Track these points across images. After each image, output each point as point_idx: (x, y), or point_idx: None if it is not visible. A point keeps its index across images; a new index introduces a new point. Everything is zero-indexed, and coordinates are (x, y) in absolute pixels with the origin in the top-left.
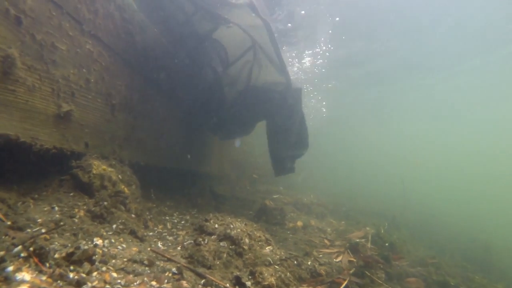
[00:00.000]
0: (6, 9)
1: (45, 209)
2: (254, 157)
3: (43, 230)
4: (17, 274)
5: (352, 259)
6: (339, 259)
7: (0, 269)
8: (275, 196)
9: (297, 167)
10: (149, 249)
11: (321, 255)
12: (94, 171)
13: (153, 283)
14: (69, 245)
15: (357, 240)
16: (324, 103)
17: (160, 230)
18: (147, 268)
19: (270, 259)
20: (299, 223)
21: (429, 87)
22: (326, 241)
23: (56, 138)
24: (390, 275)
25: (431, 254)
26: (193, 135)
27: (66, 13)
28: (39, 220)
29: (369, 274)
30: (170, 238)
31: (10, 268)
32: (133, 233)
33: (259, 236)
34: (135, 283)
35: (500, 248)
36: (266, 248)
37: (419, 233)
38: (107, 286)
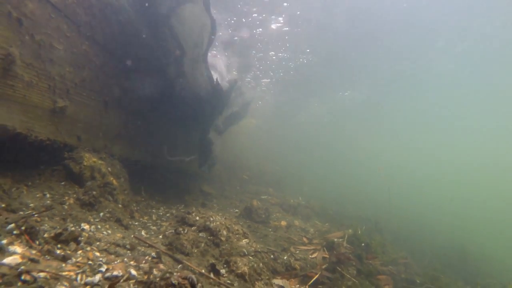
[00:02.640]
0: (9, 12)
1: (37, 195)
2: (246, 159)
3: (35, 213)
4: (10, 247)
5: (326, 256)
6: (314, 255)
7: None
8: (263, 197)
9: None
10: (132, 236)
11: (297, 251)
12: (85, 163)
13: (132, 263)
14: (58, 227)
15: (335, 239)
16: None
17: (145, 220)
18: (128, 251)
19: (245, 251)
20: (283, 223)
21: (419, 97)
22: (304, 239)
23: (51, 130)
24: (361, 272)
25: (406, 255)
26: (186, 135)
27: (65, 16)
28: (31, 204)
29: (340, 269)
30: (154, 228)
31: (4, 242)
32: (118, 221)
33: (237, 230)
34: (115, 262)
35: (478, 255)
36: (243, 240)
37: (403, 238)
38: (90, 262)
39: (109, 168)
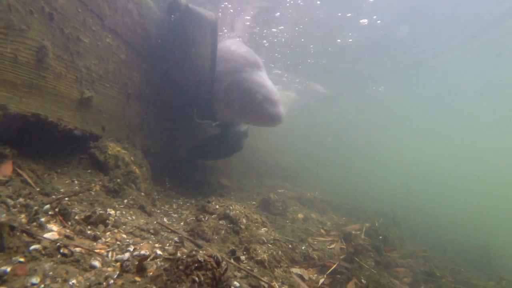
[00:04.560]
0: (42, 7)
1: (67, 182)
2: (262, 153)
3: (66, 197)
4: (47, 225)
5: (344, 247)
6: (332, 246)
7: (35, 218)
8: (280, 191)
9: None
10: (155, 222)
11: (315, 242)
12: (110, 152)
13: (157, 245)
14: (87, 210)
15: (352, 232)
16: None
17: (166, 209)
18: (152, 235)
19: (265, 239)
20: (300, 215)
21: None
22: (322, 230)
23: (78, 120)
24: (379, 264)
25: (426, 249)
26: (203, 128)
27: (90, 10)
28: (61, 190)
29: (358, 260)
30: (175, 215)
31: (43, 220)
32: (142, 208)
33: (256, 218)
34: (141, 244)
35: (503, 252)
36: (262, 229)
37: (422, 233)
38: (118, 242)
39: (132, 158)
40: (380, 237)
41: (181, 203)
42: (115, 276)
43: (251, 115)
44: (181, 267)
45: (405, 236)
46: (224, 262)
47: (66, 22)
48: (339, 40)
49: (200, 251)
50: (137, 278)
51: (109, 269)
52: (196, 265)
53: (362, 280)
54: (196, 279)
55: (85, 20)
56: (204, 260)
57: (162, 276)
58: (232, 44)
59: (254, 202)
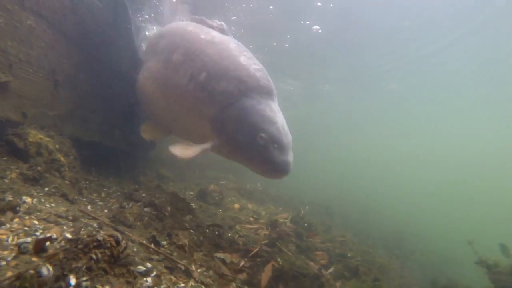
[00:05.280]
0: None
1: None
2: None
3: None
4: None
5: (268, 233)
6: (258, 233)
7: None
8: (221, 182)
9: None
10: (77, 209)
11: (242, 229)
12: (31, 139)
13: (70, 230)
14: None
15: (280, 220)
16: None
17: (94, 197)
18: (70, 222)
19: (188, 225)
20: (237, 205)
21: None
22: (251, 218)
23: None
24: (300, 248)
25: (344, 234)
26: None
27: None
28: None
29: (279, 245)
30: (101, 203)
31: None
32: (64, 196)
33: (182, 206)
34: (52, 229)
35: (412, 235)
36: (187, 216)
37: (353, 222)
38: (25, 228)
39: (57, 146)
40: (305, 224)
41: (111, 192)
42: (10, 258)
43: (248, 158)
44: (80, 246)
45: (335, 224)
46: (123, 241)
47: None
48: (274, 44)
49: (101, 231)
50: (34, 259)
51: (5, 252)
52: (95, 244)
53: (280, 262)
54: (94, 256)
55: None
56: (103, 239)
57: (59, 255)
58: (242, 53)
59: (192, 193)
